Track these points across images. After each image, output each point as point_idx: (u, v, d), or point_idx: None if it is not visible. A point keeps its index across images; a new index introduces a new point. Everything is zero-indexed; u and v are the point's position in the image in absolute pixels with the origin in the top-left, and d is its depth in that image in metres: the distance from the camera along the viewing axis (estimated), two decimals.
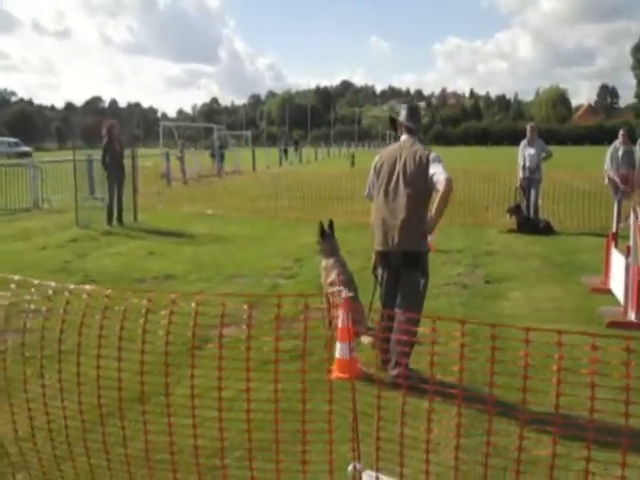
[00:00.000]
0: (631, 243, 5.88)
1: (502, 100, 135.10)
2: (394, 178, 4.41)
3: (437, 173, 4.22)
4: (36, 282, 3.11)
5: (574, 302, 6.53)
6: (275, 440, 2.62)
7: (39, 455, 2.99)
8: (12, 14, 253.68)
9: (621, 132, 11.78)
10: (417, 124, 4.60)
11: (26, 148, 53.70)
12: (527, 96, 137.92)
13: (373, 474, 2.58)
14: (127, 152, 12.95)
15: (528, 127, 12.03)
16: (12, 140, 56.65)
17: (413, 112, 4.62)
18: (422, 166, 4.30)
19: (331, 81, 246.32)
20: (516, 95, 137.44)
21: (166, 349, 2.67)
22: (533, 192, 11.50)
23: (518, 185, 11.72)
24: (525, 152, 11.65)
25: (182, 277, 7.86)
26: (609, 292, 6.72)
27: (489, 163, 25.94)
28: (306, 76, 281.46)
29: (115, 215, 12.40)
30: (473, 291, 7.08)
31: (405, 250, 4.35)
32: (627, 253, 5.98)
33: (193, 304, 2.62)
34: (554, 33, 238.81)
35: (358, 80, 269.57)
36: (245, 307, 2.71)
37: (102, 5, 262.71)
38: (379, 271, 4.57)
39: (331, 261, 5.61)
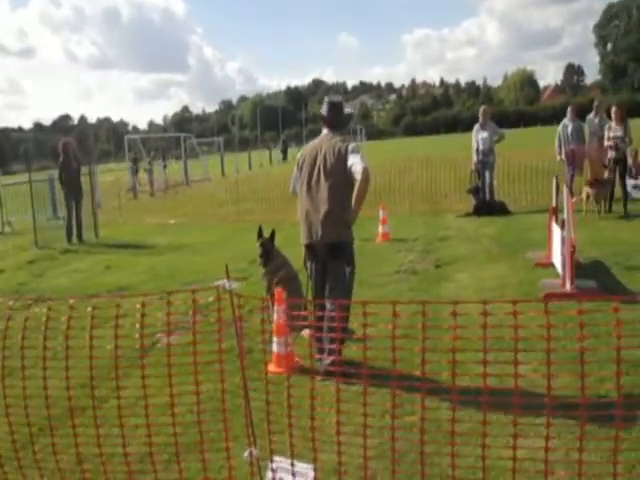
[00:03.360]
0: (565, 216, 6.00)
1: (472, 87, 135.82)
2: (315, 172, 4.49)
3: (355, 163, 4.30)
4: None
5: (517, 278, 6.66)
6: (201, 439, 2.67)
7: None
8: None
9: (569, 108, 11.99)
10: (338, 118, 4.69)
11: None
12: (496, 81, 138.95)
13: (285, 461, 2.63)
14: (85, 169, 12.90)
15: (480, 110, 12.19)
16: None
17: (333, 107, 4.72)
18: (341, 158, 4.39)
19: (302, 81, 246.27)
20: (485, 80, 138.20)
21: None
22: (487, 174, 11.65)
23: (473, 168, 11.87)
24: (478, 136, 11.80)
25: (136, 288, 7.86)
26: (552, 265, 6.86)
27: (454, 150, 26.15)
28: (277, 77, 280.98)
29: (75, 232, 12.33)
30: (422, 276, 7.17)
31: (329, 242, 4.43)
32: (562, 226, 6.11)
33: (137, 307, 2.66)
34: (520, 16, 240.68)
35: (329, 77, 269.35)
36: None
37: (64, 21, 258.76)
38: (308, 264, 4.64)
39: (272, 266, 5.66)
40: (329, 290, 4.52)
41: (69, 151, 12.37)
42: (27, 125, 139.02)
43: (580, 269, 6.37)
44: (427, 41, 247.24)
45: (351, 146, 4.47)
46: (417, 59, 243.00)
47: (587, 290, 5.74)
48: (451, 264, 7.62)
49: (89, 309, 2.70)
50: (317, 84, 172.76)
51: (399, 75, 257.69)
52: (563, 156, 11.66)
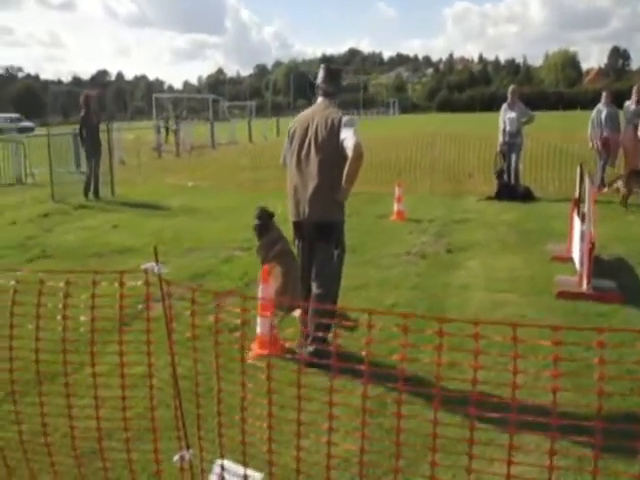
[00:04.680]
0: (586, 210, 5.61)
1: (511, 64, 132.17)
2: (306, 144, 4.16)
3: (347, 138, 3.95)
4: None
5: (531, 270, 6.30)
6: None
7: None
8: None
9: (604, 93, 11.35)
10: (335, 87, 4.32)
11: (28, 123, 53.39)
12: (537, 60, 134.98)
13: (230, 465, 2.40)
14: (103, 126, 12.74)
15: (510, 89, 11.63)
16: (14, 116, 56.55)
17: (331, 74, 4.34)
18: (334, 130, 4.04)
19: (338, 49, 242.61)
20: (525, 59, 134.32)
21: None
22: (513, 157, 11.14)
23: (498, 150, 11.38)
24: (506, 116, 11.27)
25: (140, 250, 7.70)
26: (571, 260, 6.48)
27: (487, 128, 25.41)
28: (313, 45, 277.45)
29: (92, 189, 12.25)
30: (432, 261, 6.87)
31: (316, 221, 4.14)
32: (582, 220, 5.73)
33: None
34: None
35: (365, 47, 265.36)
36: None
37: None
38: (296, 242, 4.38)
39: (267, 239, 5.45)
40: (315, 273, 4.24)
41: (90, 104, 12.21)
42: (66, 79, 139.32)
43: (600, 266, 6.00)
44: (468, 15, 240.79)
45: (345, 119, 4.10)
46: (457, 33, 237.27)
47: (604, 291, 5.38)
48: (464, 250, 7.28)
49: (12, 282, 2.47)
50: (353, 53, 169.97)
51: (437, 49, 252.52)
52: (597, 142, 11.08)
